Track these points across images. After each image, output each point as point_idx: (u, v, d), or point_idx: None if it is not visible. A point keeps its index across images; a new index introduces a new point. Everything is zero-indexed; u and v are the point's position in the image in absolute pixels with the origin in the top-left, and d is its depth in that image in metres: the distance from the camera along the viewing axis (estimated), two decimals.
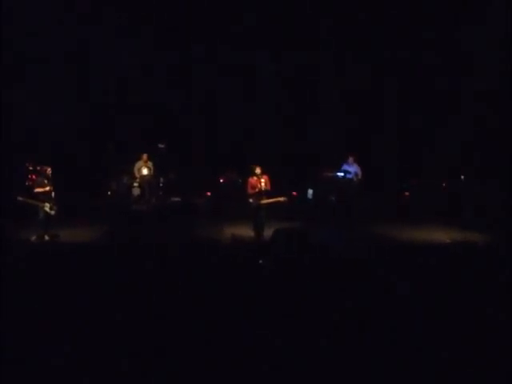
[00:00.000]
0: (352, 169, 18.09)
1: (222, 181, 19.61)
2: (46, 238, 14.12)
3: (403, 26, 20.15)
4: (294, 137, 20.77)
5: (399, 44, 20.53)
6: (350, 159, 18.16)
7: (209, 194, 19.42)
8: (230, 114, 20.86)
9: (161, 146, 18.84)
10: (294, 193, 18.21)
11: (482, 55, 19.52)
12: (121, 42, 20.18)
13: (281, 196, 14.45)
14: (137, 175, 18.46)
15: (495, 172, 18.10)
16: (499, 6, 18.99)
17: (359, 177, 18.26)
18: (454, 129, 19.76)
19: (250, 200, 14.43)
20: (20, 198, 13.87)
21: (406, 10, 20.15)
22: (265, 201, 14.41)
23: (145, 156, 18.63)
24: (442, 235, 15.17)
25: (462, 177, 16.00)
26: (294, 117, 20.98)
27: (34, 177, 14.64)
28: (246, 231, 14.84)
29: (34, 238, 13.97)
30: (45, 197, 14.13)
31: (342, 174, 17.88)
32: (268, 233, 14.09)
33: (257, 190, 14.37)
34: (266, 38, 20.60)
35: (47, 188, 14.19)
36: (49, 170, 14.36)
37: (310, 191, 18.25)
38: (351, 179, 17.91)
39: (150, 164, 18.61)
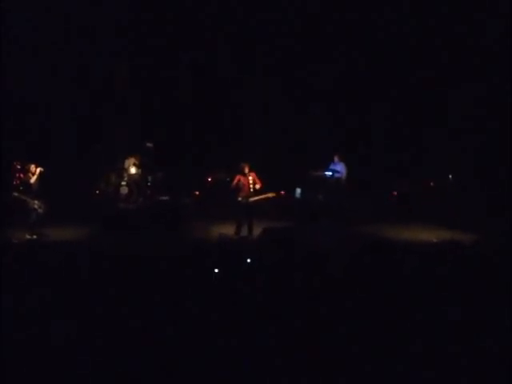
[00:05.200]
0: (339, 167, 18.05)
1: (209, 180, 19.59)
2: (34, 236, 14.10)
3: (393, 32, 20.35)
4: (282, 135, 20.83)
5: (388, 47, 20.68)
6: (336, 158, 18.12)
7: (197, 193, 19.39)
8: (218, 112, 20.93)
9: (149, 144, 18.82)
10: (282, 192, 18.22)
11: (469, 61, 19.70)
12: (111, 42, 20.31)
13: (269, 192, 14.57)
14: (125, 174, 18.40)
15: (483, 171, 18.21)
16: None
17: (344, 175, 18.20)
18: (441, 128, 19.88)
19: (239, 198, 14.50)
20: (15, 194, 13.94)
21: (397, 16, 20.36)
22: (253, 198, 14.49)
23: (134, 155, 18.58)
24: (429, 234, 15.23)
25: (450, 176, 16.01)
26: (283, 115, 21.04)
27: (21, 175, 14.59)
28: (234, 230, 14.85)
29: (27, 236, 14.03)
30: (33, 195, 14.12)
31: (330, 173, 17.87)
32: (256, 232, 14.16)
33: (245, 187, 14.46)
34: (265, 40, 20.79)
35: (38, 169, 14.29)
36: (33, 167, 14.38)
37: (298, 190, 18.23)
38: (339, 178, 17.90)
39: (138, 163, 18.55)
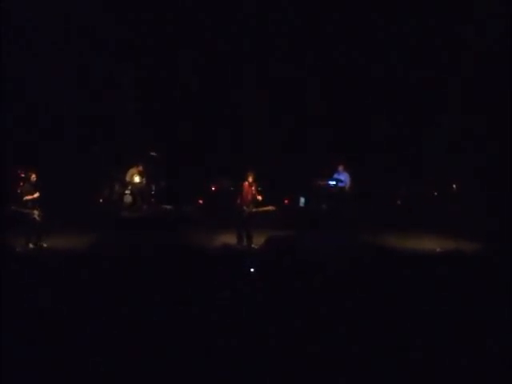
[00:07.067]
0: (343, 177, 18.10)
1: (213, 189, 19.58)
2: (39, 245, 14.07)
3: (393, 32, 20.32)
4: (286, 145, 20.75)
5: (388, 47, 20.66)
6: (340, 167, 18.16)
7: (201, 201, 19.37)
8: (222, 121, 20.90)
9: (153, 153, 18.83)
10: (286, 200, 18.28)
11: (468, 62, 19.73)
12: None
13: (270, 205, 14.68)
14: (129, 183, 18.41)
15: (487, 180, 18.24)
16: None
17: (348, 185, 18.25)
18: (445, 137, 19.88)
19: (244, 207, 14.57)
20: (13, 208, 13.88)
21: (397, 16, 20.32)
22: (254, 209, 14.60)
23: (137, 164, 18.58)
24: (433, 244, 15.25)
25: (454, 186, 16.03)
26: (286, 124, 20.96)
27: (24, 184, 14.57)
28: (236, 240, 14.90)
29: (30, 246, 13.96)
30: (33, 204, 14.13)
31: (334, 183, 17.91)
32: (259, 241, 14.22)
33: (247, 196, 14.54)
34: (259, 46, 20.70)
35: (36, 195, 14.25)
36: (33, 177, 14.38)
37: (302, 199, 18.29)
38: (343, 187, 17.94)
39: (142, 172, 18.54)
